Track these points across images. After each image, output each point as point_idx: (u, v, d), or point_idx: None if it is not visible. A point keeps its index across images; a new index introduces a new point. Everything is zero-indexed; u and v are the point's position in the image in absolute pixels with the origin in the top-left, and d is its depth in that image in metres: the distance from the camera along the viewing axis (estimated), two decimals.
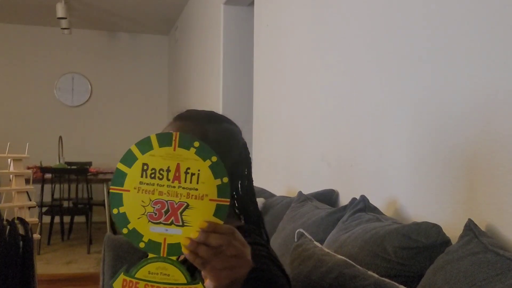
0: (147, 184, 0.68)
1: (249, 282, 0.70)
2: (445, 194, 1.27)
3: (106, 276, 1.90)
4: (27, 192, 2.26)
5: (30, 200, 2.28)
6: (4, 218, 1.99)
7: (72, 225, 5.35)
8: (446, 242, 1.11)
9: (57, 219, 5.08)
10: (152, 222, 0.67)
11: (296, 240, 1.37)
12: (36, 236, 2.05)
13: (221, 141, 0.96)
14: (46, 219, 5.02)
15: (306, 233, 1.35)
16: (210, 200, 0.67)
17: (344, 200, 1.80)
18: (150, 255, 0.67)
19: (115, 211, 0.68)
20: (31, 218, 2.14)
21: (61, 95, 6.39)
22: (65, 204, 5.13)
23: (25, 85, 6.25)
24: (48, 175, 4.84)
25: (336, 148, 1.91)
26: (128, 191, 0.68)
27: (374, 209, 1.45)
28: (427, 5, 1.36)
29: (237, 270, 0.66)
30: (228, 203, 0.67)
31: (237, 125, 1.04)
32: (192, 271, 0.68)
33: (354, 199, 1.54)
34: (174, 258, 0.67)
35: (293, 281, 1.17)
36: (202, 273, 0.67)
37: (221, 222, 0.66)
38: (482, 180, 1.14)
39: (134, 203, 0.68)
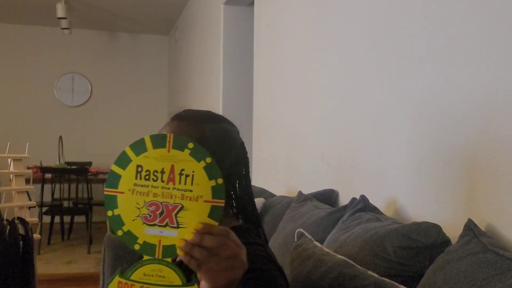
0: (142, 186, 0.67)
1: (248, 282, 0.70)
2: (445, 194, 1.27)
3: (106, 276, 1.90)
4: (27, 192, 2.26)
5: (30, 200, 2.28)
6: (4, 218, 1.99)
7: (72, 225, 5.35)
8: (446, 242, 1.11)
9: (57, 219, 5.08)
10: (147, 224, 0.67)
11: (296, 240, 1.37)
12: (36, 236, 2.06)
13: (218, 141, 0.95)
14: (46, 219, 5.02)
15: (306, 233, 1.35)
16: (205, 201, 0.67)
17: (344, 200, 1.80)
18: (145, 257, 0.67)
19: (109, 213, 0.68)
20: (31, 218, 2.14)
21: (61, 95, 6.39)
22: (65, 204, 5.13)
23: (25, 85, 6.25)
24: (48, 175, 4.85)
25: (336, 148, 1.91)
26: (123, 193, 0.68)
27: (374, 209, 1.45)
28: (427, 5, 1.36)
29: (233, 271, 0.66)
30: (223, 205, 0.67)
31: (235, 125, 1.04)
32: (187, 273, 0.67)
33: (354, 199, 1.54)
34: (169, 260, 0.67)
35: (293, 281, 1.17)
36: (198, 274, 0.67)
37: (216, 224, 0.66)
38: (482, 180, 1.14)
39: (129, 205, 0.67)
